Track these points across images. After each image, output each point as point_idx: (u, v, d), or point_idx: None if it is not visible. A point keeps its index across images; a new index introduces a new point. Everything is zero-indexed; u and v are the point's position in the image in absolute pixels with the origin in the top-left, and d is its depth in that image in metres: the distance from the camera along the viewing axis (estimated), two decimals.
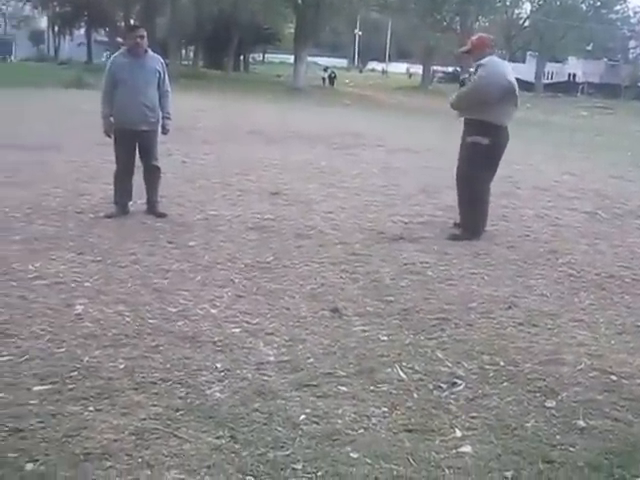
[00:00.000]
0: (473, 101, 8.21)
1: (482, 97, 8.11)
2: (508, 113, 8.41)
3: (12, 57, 70.48)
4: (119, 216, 8.79)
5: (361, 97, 46.84)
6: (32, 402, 4.23)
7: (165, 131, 8.98)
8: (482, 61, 8.18)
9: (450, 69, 77.50)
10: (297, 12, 51.14)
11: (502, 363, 5.09)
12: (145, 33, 8.68)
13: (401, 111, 35.92)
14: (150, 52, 8.83)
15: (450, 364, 5.04)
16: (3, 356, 4.82)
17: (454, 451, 3.93)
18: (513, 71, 8.69)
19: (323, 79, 59.15)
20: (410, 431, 4.11)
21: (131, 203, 9.10)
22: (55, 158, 12.98)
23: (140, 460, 3.69)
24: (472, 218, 8.60)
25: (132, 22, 52.57)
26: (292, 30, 58.00)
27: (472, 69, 8.52)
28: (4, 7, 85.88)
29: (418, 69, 79.93)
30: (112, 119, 8.72)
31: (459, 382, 4.77)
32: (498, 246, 8.28)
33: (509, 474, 3.74)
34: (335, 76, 59.80)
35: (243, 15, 57.86)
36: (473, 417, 4.31)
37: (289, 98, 38.62)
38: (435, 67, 77.47)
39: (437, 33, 62.75)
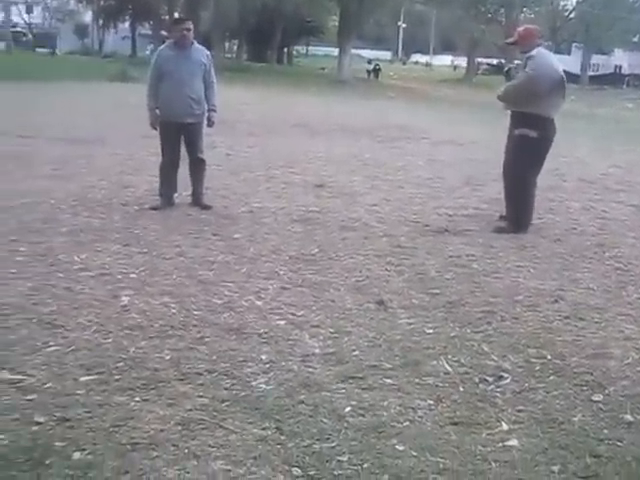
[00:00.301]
0: (523, 93, 8.11)
1: (533, 89, 8.01)
2: (556, 105, 8.31)
3: (57, 50, 71.08)
4: (164, 208, 8.83)
5: (405, 90, 46.65)
6: (79, 392, 4.26)
7: (210, 123, 9.00)
8: (531, 53, 8.07)
9: (494, 61, 76.86)
10: (341, 4, 51.14)
11: (549, 357, 5.03)
12: (191, 26, 8.71)
13: (445, 103, 35.72)
14: (196, 44, 8.84)
15: (496, 357, 4.99)
16: (50, 346, 4.86)
17: (500, 444, 3.89)
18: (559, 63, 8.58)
19: (368, 72, 58.81)
20: (456, 424, 4.07)
21: (176, 195, 9.14)
22: (100, 151, 13.10)
23: (186, 450, 3.69)
24: (518, 211, 8.51)
25: (177, 15, 52.80)
26: (336, 22, 57.97)
27: (518, 61, 8.42)
28: (49, 1, 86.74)
29: (462, 61, 79.36)
30: (158, 111, 8.76)
31: (505, 375, 4.72)
32: (544, 239, 8.20)
33: (556, 468, 3.69)
34: (380, 69, 59.46)
35: (287, 7, 57.86)
36: (519, 411, 4.26)
37: (333, 91, 38.57)
38: (479, 59, 76.86)
39: (481, 25, 62.36)
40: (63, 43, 78.52)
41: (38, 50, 68.97)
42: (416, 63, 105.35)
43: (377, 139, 17.08)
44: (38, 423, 3.90)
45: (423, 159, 14.02)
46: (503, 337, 5.35)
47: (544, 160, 8.48)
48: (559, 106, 8.38)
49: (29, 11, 74.60)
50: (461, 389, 4.51)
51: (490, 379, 4.67)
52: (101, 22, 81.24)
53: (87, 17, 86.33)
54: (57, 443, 3.70)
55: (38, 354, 4.74)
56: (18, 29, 77.06)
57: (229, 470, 3.55)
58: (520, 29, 8.62)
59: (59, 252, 6.95)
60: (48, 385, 4.33)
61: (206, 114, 8.90)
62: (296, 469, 3.58)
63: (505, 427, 4.07)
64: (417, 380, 4.60)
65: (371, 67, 59.39)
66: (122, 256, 6.92)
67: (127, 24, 79.68)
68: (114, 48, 73.32)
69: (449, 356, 4.97)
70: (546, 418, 4.18)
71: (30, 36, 79.00)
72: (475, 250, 7.63)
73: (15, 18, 72.05)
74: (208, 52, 9.05)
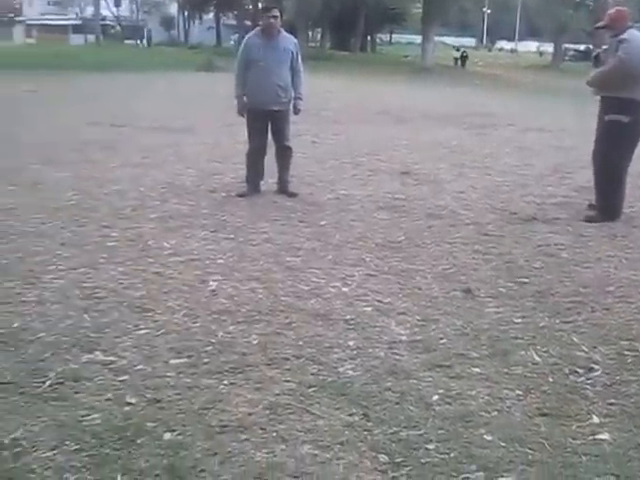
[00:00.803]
0: (615, 78, 7.90)
1: (626, 73, 7.79)
2: None
3: (144, 42, 72.14)
4: (251, 195, 8.90)
5: (491, 76, 46.06)
6: (169, 374, 4.33)
7: (297, 111, 9.02)
8: (623, 36, 7.86)
9: (582, 47, 75.19)
10: None
11: None
12: (278, 13, 8.71)
13: (532, 90, 35.18)
14: (284, 32, 8.87)
15: (586, 349, 4.89)
16: (141, 329, 4.96)
17: (591, 438, 3.81)
18: None
19: (455, 59, 57.65)
20: (545, 415, 4.01)
21: (262, 182, 9.20)
22: (188, 139, 13.28)
23: (274, 434, 3.72)
24: (609, 199, 8.32)
25: (263, 3, 53.01)
26: (419, 9, 57.41)
27: (605, 46, 8.22)
28: None
29: (548, 47, 77.85)
30: (245, 99, 8.82)
31: (596, 367, 4.62)
32: (636, 228, 8.01)
33: None
34: (467, 56, 58.04)
35: None
36: (611, 404, 4.17)
37: (417, 78, 38.30)
38: (566, 45, 75.29)
39: (569, 10, 61.04)
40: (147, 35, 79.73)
41: (126, 42, 70.17)
42: (501, 50, 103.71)
43: (463, 126, 16.92)
44: (129, 403, 3.98)
45: (510, 146, 13.84)
46: (593, 328, 5.24)
47: (636, 146, 8.27)
48: None
49: (117, 4, 75.81)
50: (550, 380, 4.44)
51: (580, 371, 4.57)
52: (186, 13, 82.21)
53: (173, 9, 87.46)
54: (148, 423, 3.78)
55: (129, 336, 4.84)
56: (107, 22, 78.53)
57: (316, 455, 3.57)
58: (611, 11, 8.40)
59: (149, 238, 7.08)
60: (139, 367, 4.42)
61: (292, 102, 8.92)
62: (383, 456, 3.57)
63: (596, 420, 3.98)
64: (505, 370, 4.54)
65: (458, 54, 58.20)
66: (210, 242, 7.01)
67: (211, 15, 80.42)
68: (199, 39, 74.06)
69: (538, 346, 4.90)
70: (639, 412, 4.08)
71: (118, 28, 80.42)
72: (564, 239, 7.51)
73: (104, 11, 73.28)
74: (296, 40, 9.06)
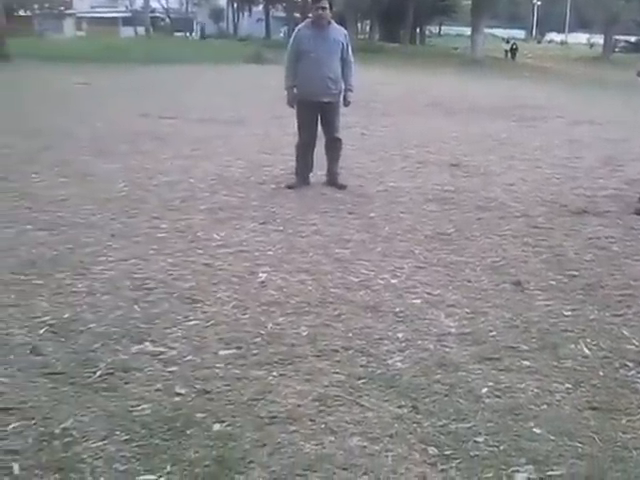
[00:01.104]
0: None
1: None
2: None
3: (193, 34, 72.56)
4: (300, 187, 8.92)
5: (540, 69, 45.60)
6: (218, 365, 4.35)
7: (346, 103, 9.01)
8: None
9: (632, 38, 74.16)
10: None
11: None
12: (328, 5, 8.68)
13: (582, 82, 34.77)
14: (334, 24, 8.86)
15: (637, 342, 4.84)
16: (190, 320, 4.99)
17: None
18: None
19: (505, 51, 56.90)
20: (595, 409, 3.97)
21: (312, 174, 9.21)
22: (237, 131, 13.34)
23: (323, 426, 3.73)
24: None
25: None
26: (469, 1, 56.90)
27: None
28: None
29: (599, 39, 76.78)
30: (295, 90, 8.83)
31: None
32: None
33: None
34: (517, 48, 57.29)
35: None
36: None
37: (467, 71, 38.01)
38: (617, 36, 74.20)
39: (620, 0, 60.14)
40: (199, 27, 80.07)
41: (176, 34, 70.59)
42: (550, 42, 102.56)
43: (512, 118, 16.79)
44: (179, 394, 4.01)
45: (560, 139, 13.70)
46: None
47: None
48: None
49: None
50: (600, 374, 4.40)
51: (630, 364, 4.53)
52: (236, 5, 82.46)
53: (222, 1, 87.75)
54: (197, 414, 3.80)
55: (179, 327, 4.87)
56: (156, 14, 79.08)
57: (365, 447, 3.57)
58: None
59: (198, 229, 7.13)
60: (188, 358, 4.45)
61: (342, 93, 8.91)
62: (432, 448, 3.57)
63: None
64: (555, 363, 4.51)
65: (508, 47, 57.50)
66: (259, 234, 7.04)
67: (261, 7, 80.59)
68: (249, 31, 74.31)
69: (588, 339, 4.86)
70: None
71: (168, 21, 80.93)
72: (615, 232, 7.42)
73: (153, 3, 73.87)
74: (346, 32, 9.05)
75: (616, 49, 71.63)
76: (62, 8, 73.13)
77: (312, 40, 8.63)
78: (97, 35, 62.41)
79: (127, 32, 72.09)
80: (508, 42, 58.98)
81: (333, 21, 8.86)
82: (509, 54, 56.62)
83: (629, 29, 71.35)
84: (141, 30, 67.18)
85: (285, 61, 8.96)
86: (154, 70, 27.08)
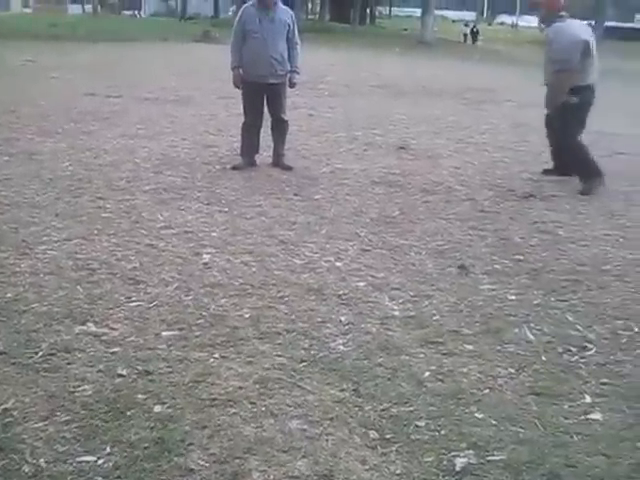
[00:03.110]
0: None
1: None
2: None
3: (142, 13, 71.70)
4: (246, 168, 8.84)
5: (491, 51, 45.77)
6: (160, 347, 4.33)
7: (292, 85, 8.96)
8: None
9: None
10: None
11: (637, 329, 4.88)
12: None
13: (532, 66, 34.73)
14: (280, 4, 8.78)
15: (581, 327, 4.87)
16: (133, 301, 4.96)
17: (583, 417, 3.79)
18: None
19: (464, 35, 54.07)
20: (537, 394, 3.99)
21: (257, 155, 9.14)
22: (183, 111, 13.18)
23: (264, 408, 3.71)
24: (583, 166, 8.55)
25: None
26: None
27: None
28: None
29: None
30: (241, 71, 8.74)
31: (590, 346, 4.60)
32: (634, 207, 7.95)
33: None
34: (478, 32, 54.39)
35: None
36: (604, 383, 4.15)
37: (416, 52, 37.99)
38: None
39: None
40: (148, 5, 79.13)
41: (124, 12, 69.74)
42: (502, 24, 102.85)
43: (461, 101, 16.83)
44: (120, 375, 3.99)
45: (508, 122, 13.73)
46: (589, 307, 5.22)
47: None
48: None
49: None
50: (543, 358, 4.42)
51: (574, 349, 4.56)
52: None
53: None
54: (138, 395, 3.78)
55: (121, 308, 4.84)
56: None
57: (305, 430, 3.56)
58: None
59: (142, 210, 7.06)
60: (130, 339, 4.42)
61: (289, 75, 8.85)
62: (373, 432, 3.57)
63: (588, 400, 3.97)
64: (498, 347, 4.53)
65: (468, 29, 54.43)
66: (204, 215, 6.98)
67: None
68: (197, 10, 73.52)
69: (532, 324, 4.88)
70: (632, 393, 4.05)
71: None
72: (561, 216, 7.47)
73: None
74: (292, 12, 8.97)
75: None
76: None
77: (258, 20, 8.55)
78: (44, 12, 61.38)
79: (75, 10, 70.91)
80: (467, 25, 56.31)
81: (280, 1, 8.77)
82: (469, 37, 53.55)
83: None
84: (89, 8, 66.14)
85: (231, 40, 8.87)
86: (101, 48, 26.66)
